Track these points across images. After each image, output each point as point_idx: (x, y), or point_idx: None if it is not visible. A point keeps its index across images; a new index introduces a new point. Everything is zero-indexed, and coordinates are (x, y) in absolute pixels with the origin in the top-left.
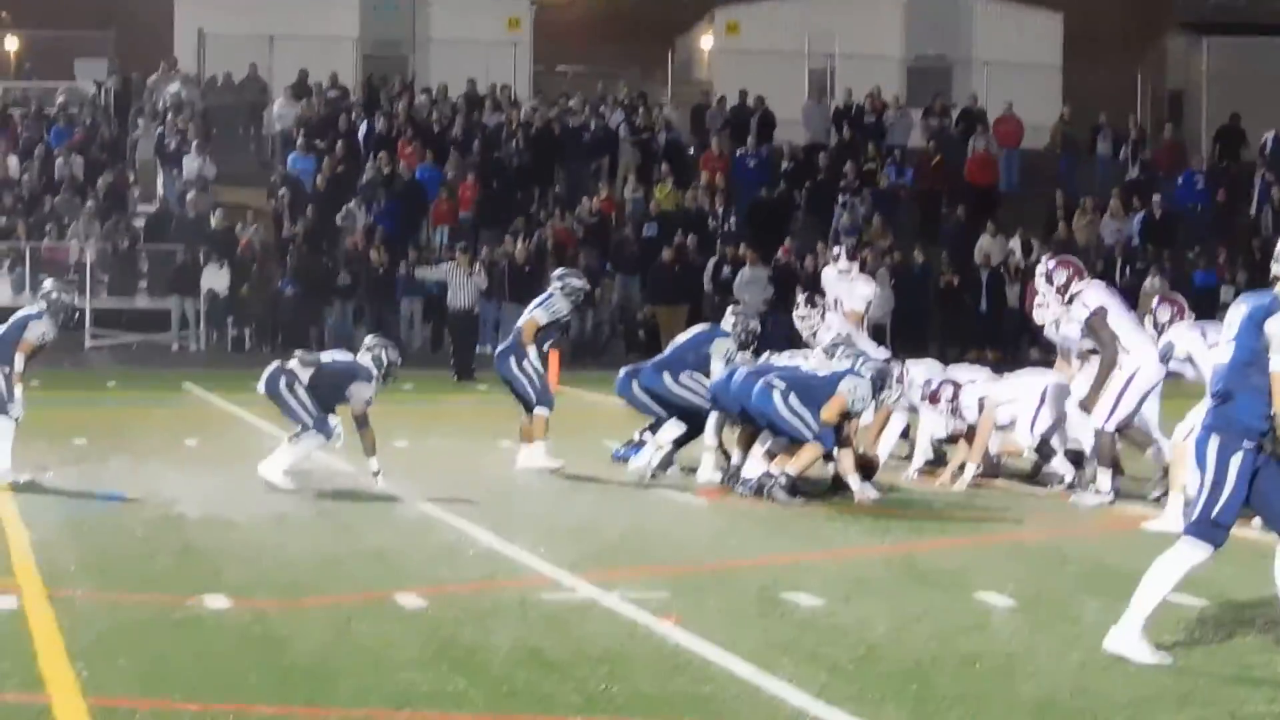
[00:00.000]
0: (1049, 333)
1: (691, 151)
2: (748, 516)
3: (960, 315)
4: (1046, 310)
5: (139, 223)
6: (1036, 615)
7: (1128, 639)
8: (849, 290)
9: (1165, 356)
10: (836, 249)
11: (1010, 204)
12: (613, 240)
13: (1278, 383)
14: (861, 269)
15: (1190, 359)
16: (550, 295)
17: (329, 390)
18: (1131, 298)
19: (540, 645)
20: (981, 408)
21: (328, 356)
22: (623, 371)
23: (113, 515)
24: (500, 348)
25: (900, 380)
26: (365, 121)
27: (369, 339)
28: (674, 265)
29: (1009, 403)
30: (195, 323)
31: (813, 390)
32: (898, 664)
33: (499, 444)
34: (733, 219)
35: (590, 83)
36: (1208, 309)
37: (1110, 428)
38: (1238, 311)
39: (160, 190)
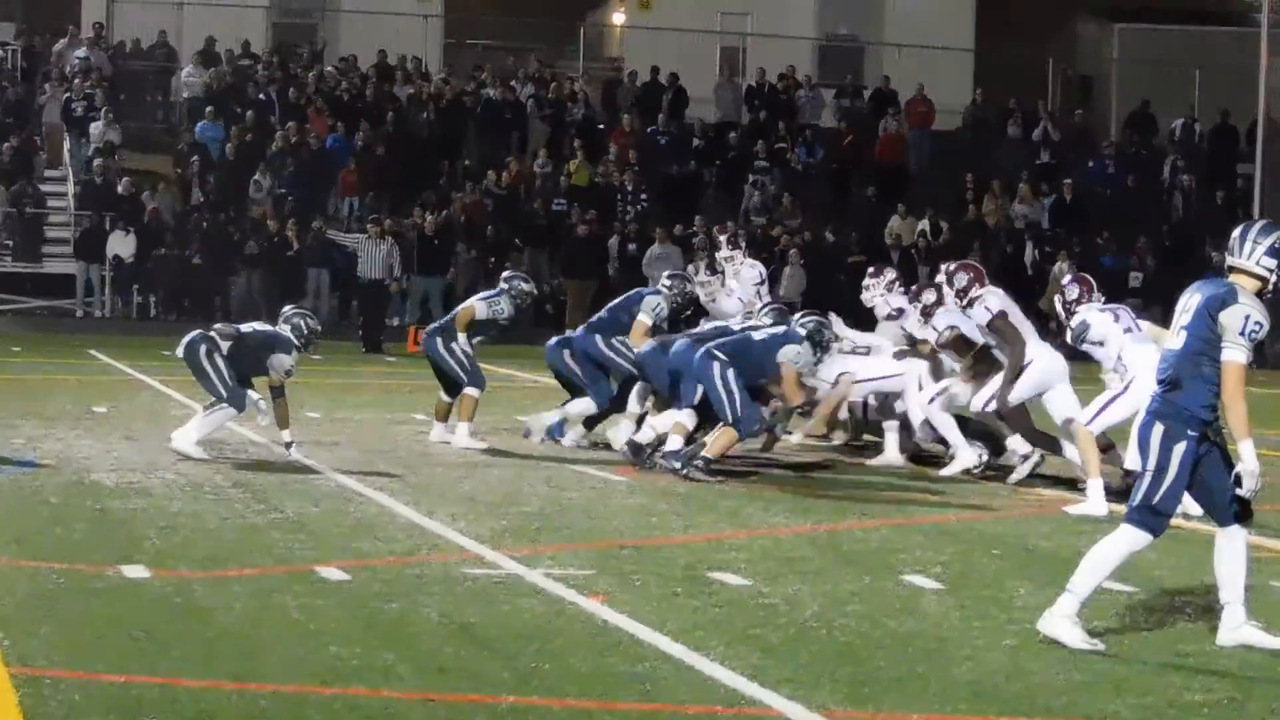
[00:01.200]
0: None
1: (602, 127)
2: (668, 494)
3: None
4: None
5: (46, 188)
6: (966, 597)
7: (1061, 623)
8: (740, 278)
9: (1080, 336)
10: (720, 238)
11: (921, 185)
12: (522, 214)
13: (1229, 374)
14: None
15: (1102, 341)
16: (498, 293)
17: (249, 360)
18: (1041, 280)
19: (468, 621)
20: (838, 382)
21: (247, 327)
22: (553, 340)
23: (26, 482)
24: (431, 327)
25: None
26: (274, 90)
27: (287, 309)
28: (585, 240)
29: (867, 381)
30: (101, 289)
31: (752, 352)
32: (830, 646)
33: (412, 416)
34: (643, 195)
35: (501, 57)
36: (1117, 293)
37: (989, 408)
38: (1192, 299)
39: (66, 156)
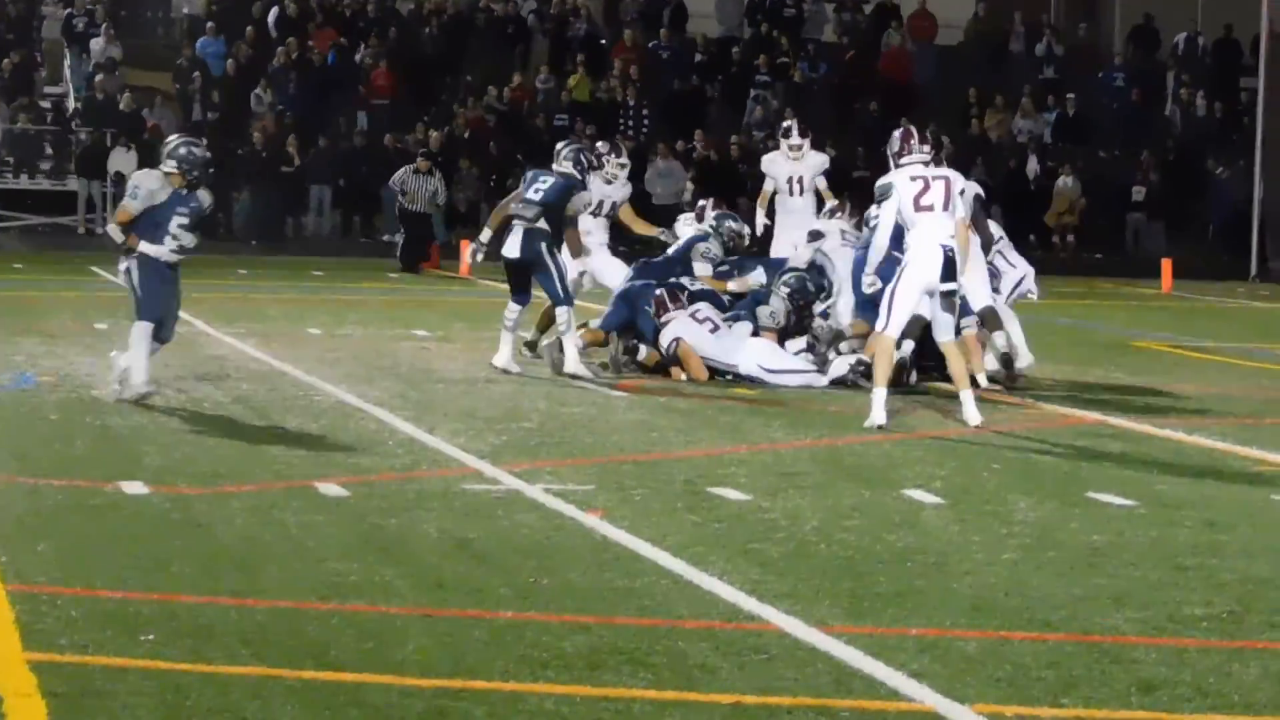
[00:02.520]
0: None
1: (604, 43)
2: (668, 410)
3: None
4: None
5: (46, 104)
6: (966, 512)
7: None
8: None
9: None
10: (787, 123)
11: (924, 99)
12: (524, 130)
13: None
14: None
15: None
16: (704, 237)
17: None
18: (1044, 195)
19: (467, 536)
20: None
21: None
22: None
23: (26, 399)
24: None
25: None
26: (276, 5)
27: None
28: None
29: None
30: (102, 206)
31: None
32: (830, 560)
33: (412, 332)
34: (645, 111)
35: None
36: (1121, 207)
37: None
38: None
39: (67, 72)
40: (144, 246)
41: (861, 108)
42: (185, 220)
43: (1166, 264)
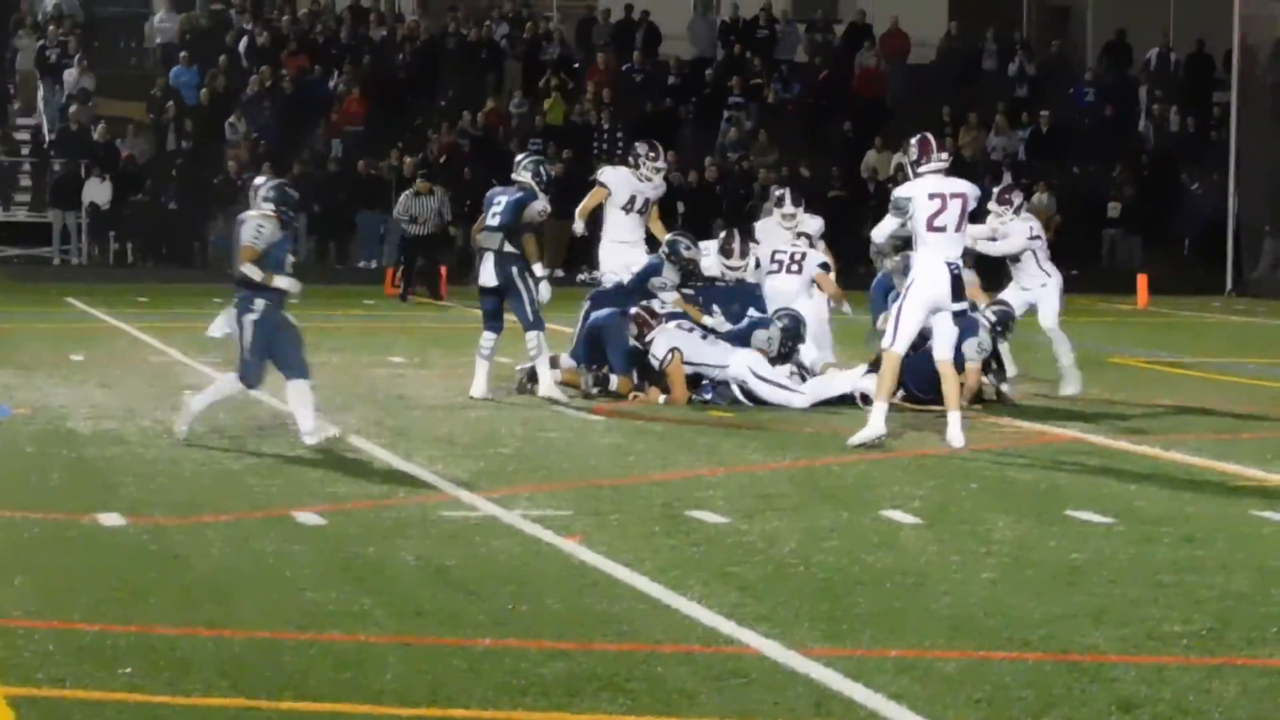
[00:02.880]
0: None
1: (577, 66)
2: (645, 433)
3: (851, 229)
4: None
5: (20, 135)
6: (944, 532)
7: None
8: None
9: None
10: (779, 191)
11: (897, 118)
12: (498, 154)
13: None
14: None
15: None
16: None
17: None
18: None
19: (444, 563)
20: None
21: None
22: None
23: (1, 431)
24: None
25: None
26: (248, 33)
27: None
28: (562, 179)
29: None
30: (77, 236)
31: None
32: (808, 582)
33: (388, 359)
34: (619, 133)
35: None
36: (1096, 223)
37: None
38: None
39: (40, 103)
40: (279, 280)
41: (835, 127)
42: (291, 259)
43: (1142, 279)
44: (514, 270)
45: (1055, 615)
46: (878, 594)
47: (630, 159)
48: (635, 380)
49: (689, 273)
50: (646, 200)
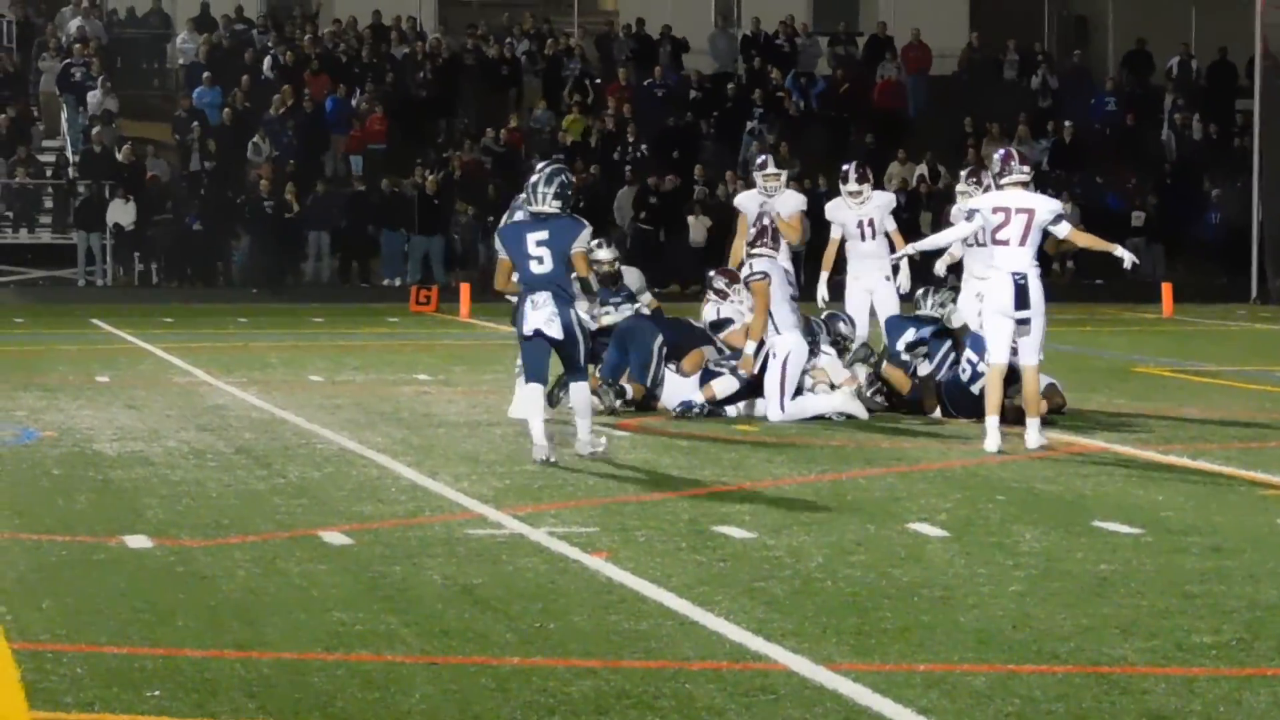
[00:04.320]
0: None
1: (599, 82)
2: (671, 448)
3: None
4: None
5: (44, 158)
6: (971, 544)
7: None
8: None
9: None
10: (845, 167)
11: (919, 130)
12: (520, 170)
13: None
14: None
15: None
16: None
17: None
18: None
19: (471, 582)
20: None
21: None
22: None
23: (27, 454)
24: None
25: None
26: (270, 53)
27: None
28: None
29: None
30: (102, 258)
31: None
32: (835, 597)
33: (414, 376)
34: (642, 148)
35: (496, 14)
36: (1120, 232)
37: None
38: None
39: (64, 125)
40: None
41: (857, 140)
42: None
43: (1167, 288)
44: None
45: (1084, 627)
46: (905, 608)
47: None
48: (649, 387)
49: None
50: (776, 215)
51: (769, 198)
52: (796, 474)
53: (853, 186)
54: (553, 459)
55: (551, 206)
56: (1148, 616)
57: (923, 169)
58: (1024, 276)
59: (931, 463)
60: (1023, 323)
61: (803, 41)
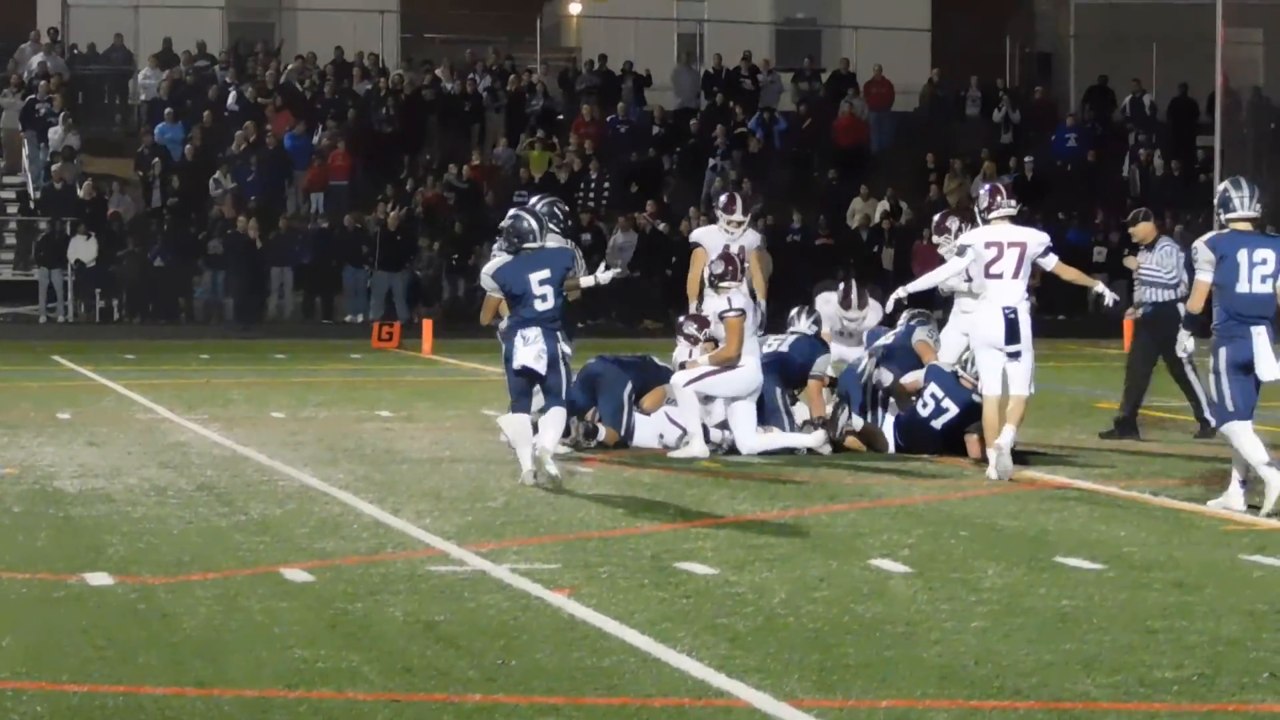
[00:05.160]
0: None
1: (562, 118)
2: (633, 484)
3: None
4: None
5: (5, 194)
6: (934, 580)
7: None
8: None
9: None
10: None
11: (882, 166)
12: (484, 206)
13: None
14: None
15: None
16: None
17: None
18: None
19: (433, 619)
20: None
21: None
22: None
23: None
24: None
25: None
26: (233, 89)
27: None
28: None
29: None
30: (63, 294)
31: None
32: (798, 633)
33: (376, 413)
34: (605, 184)
35: (459, 50)
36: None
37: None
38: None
39: (25, 161)
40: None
41: (820, 175)
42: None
43: (1129, 324)
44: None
45: (1046, 663)
46: (868, 644)
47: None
48: (622, 434)
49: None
50: (743, 249)
51: (730, 236)
52: (759, 510)
53: (853, 313)
54: (546, 478)
55: (551, 241)
56: (1110, 652)
57: (885, 205)
58: (1014, 310)
59: (894, 498)
60: (1012, 355)
61: (765, 78)
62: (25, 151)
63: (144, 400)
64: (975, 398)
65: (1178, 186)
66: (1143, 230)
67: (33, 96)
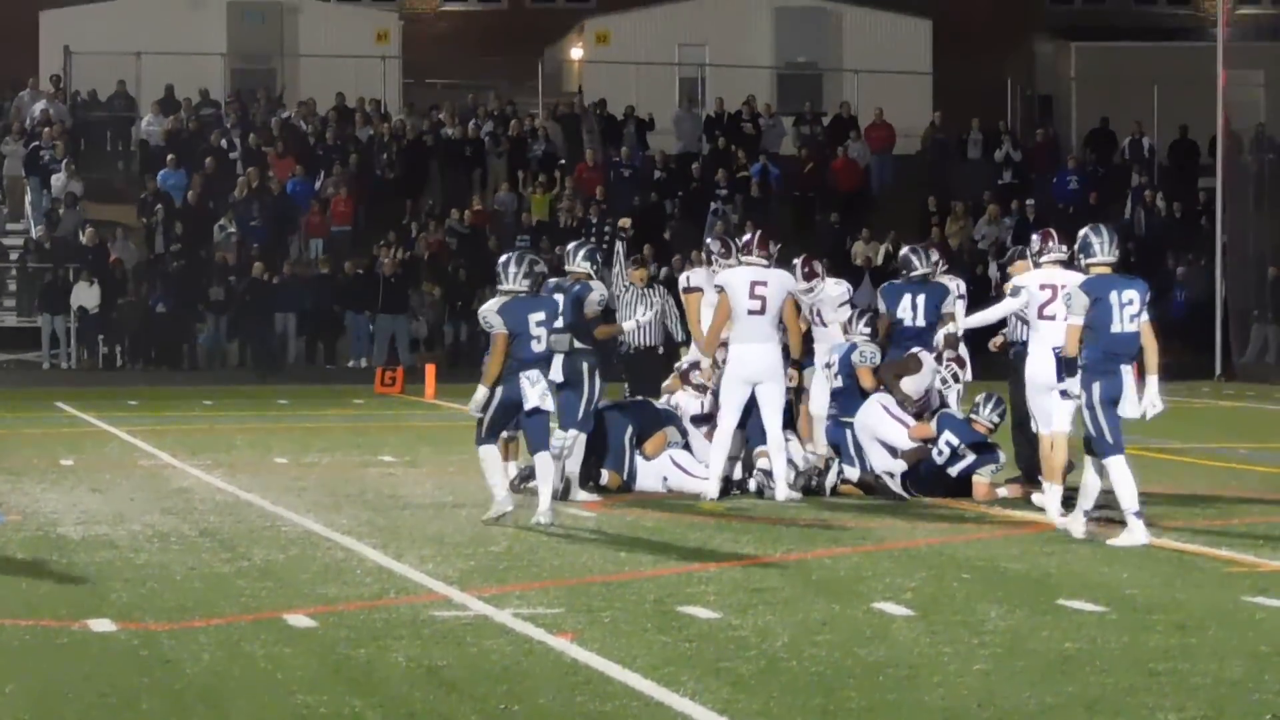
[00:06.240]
0: None
1: (564, 162)
2: (636, 528)
3: None
4: None
5: (8, 240)
6: (936, 623)
7: None
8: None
9: None
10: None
11: (883, 208)
12: (486, 251)
13: None
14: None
15: None
16: None
17: None
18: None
19: (436, 664)
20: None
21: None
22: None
23: None
24: None
25: None
26: (235, 136)
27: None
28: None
29: None
30: (66, 340)
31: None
32: (801, 676)
33: (379, 458)
34: (606, 228)
35: (460, 95)
36: None
37: None
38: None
39: (28, 209)
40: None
41: (822, 219)
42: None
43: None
44: (585, 365)
45: (1049, 706)
46: (871, 687)
47: (706, 256)
48: (625, 478)
49: None
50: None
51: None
52: (762, 553)
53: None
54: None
55: (521, 285)
56: (1113, 694)
57: (887, 246)
58: (1060, 348)
59: (897, 541)
60: (1064, 392)
61: (766, 122)
62: (28, 198)
63: (147, 446)
64: (989, 439)
65: (1179, 229)
66: (1019, 269)
67: (36, 143)
